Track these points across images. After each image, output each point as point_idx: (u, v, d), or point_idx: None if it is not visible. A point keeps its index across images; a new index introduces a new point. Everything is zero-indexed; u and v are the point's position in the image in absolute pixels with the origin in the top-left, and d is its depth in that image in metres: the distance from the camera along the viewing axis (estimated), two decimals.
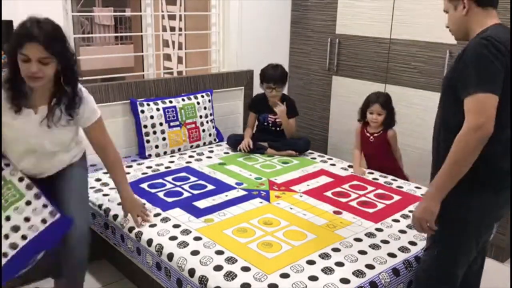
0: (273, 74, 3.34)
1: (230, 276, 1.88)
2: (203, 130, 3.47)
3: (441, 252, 1.81)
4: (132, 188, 2.69)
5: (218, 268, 1.93)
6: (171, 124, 3.29)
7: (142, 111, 3.18)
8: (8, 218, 2.02)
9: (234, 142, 3.43)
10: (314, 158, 3.35)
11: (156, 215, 2.38)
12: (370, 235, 2.25)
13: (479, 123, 1.57)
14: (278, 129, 3.47)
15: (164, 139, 3.26)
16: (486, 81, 1.59)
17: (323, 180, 2.93)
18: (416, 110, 3.32)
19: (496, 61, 1.60)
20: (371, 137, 3.12)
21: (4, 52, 2.03)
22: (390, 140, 3.11)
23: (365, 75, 3.62)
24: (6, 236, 2.00)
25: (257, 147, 3.40)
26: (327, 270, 1.94)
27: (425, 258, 1.91)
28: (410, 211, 2.50)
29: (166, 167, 3.06)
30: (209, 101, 3.54)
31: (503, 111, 1.63)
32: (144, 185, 2.75)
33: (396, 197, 2.68)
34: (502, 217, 1.90)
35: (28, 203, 2.07)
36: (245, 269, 1.92)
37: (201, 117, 3.45)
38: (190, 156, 3.28)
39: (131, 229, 2.29)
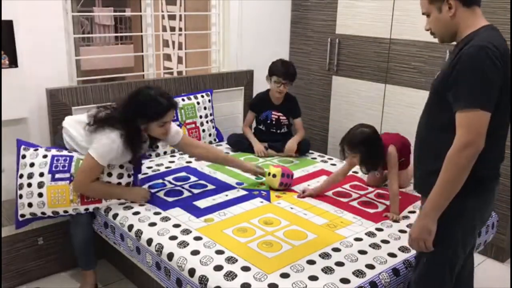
0: (286, 70, 3.29)
1: (230, 276, 1.87)
2: (203, 130, 3.47)
3: (431, 259, 1.77)
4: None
5: (218, 268, 1.93)
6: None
7: None
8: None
9: (234, 141, 3.43)
10: (315, 158, 3.35)
11: (156, 214, 2.39)
12: (370, 234, 2.25)
13: (470, 141, 1.55)
14: (279, 131, 3.45)
15: None
16: (479, 97, 1.54)
17: (324, 180, 2.93)
18: (416, 110, 3.31)
19: (493, 74, 1.55)
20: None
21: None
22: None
23: (365, 75, 3.62)
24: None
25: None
26: (327, 270, 1.94)
27: (416, 268, 1.88)
28: (410, 212, 2.50)
29: (166, 167, 3.06)
30: (209, 101, 3.54)
31: (498, 119, 1.61)
32: (145, 185, 2.75)
33: None
34: (484, 222, 1.87)
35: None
36: (245, 268, 1.92)
37: (201, 117, 3.45)
38: (190, 156, 3.27)
39: (130, 227, 2.29)
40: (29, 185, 2.42)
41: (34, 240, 2.70)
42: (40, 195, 2.41)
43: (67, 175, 2.43)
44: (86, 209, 2.46)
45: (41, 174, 2.42)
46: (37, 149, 2.51)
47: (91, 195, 2.45)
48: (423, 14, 1.78)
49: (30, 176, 2.43)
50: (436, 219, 1.66)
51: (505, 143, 1.77)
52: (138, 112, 2.39)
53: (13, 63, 2.69)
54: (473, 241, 1.84)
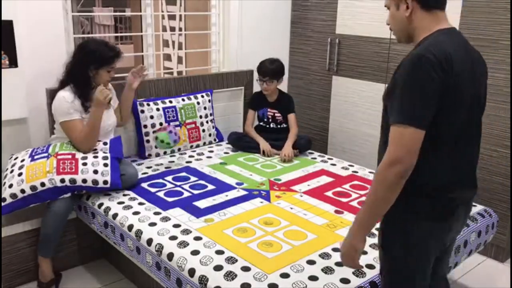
0: (265, 67, 3.39)
1: (230, 276, 1.87)
2: (203, 130, 3.47)
3: (387, 276, 1.68)
4: (133, 187, 2.71)
5: (218, 268, 1.93)
6: (171, 124, 3.29)
7: (142, 111, 3.18)
8: None
9: (235, 140, 3.44)
10: (315, 158, 3.35)
11: (156, 214, 2.39)
12: (370, 235, 2.25)
13: (398, 157, 1.42)
14: (279, 126, 3.50)
15: None
16: (411, 112, 1.42)
17: (324, 180, 2.93)
18: None
19: (428, 87, 1.41)
20: None
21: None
22: None
23: (365, 75, 3.62)
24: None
25: (257, 146, 3.40)
26: (327, 270, 1.94)
27: (380, 282, 1.80)
28: None
29: (166, 167, 3.06)
30: (209, 101, 3.54)
31: (445, 132, 1.49)
32: (144, 185, 2.75)
33: None
34: (451, 242, 1.75)
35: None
36: (245, 269, 1.92)
37: (201, 117, 3.45)
38: (190, 156, 3.28)
39: (130, 227, 2.29)
40: (12, 171, 2.53)
41: (34, 240, 2.70)
42: (20, 174, 2.48)
43: (45, 154, 2.57)
44: (62, 180, 2.47)
45: (22, 160, 2.56)
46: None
47: (90, 141, 2.63)
48: (384, 6, 1.67)
49: (13, 165, 2.57)
50: (364, 237, 1.56)
51: (464, 159, 1.58)
52: (90, 59, 2.62)
53: (13, 63, 2.69)
54: (429, 267, 1.66)
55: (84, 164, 2.55)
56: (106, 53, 2.64)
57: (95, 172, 2.54)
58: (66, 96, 2.61)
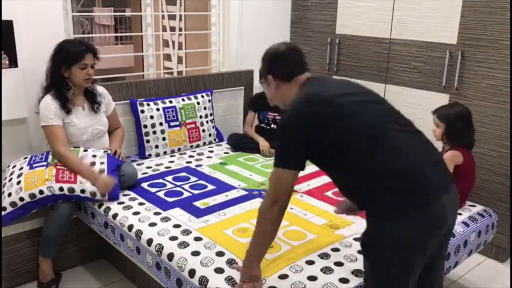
0: None
1: (231, 278, 1.87)
2: (203, 130, 3.47)
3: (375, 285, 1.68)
4: (133, 187, 2.71)
5: (218, 269, 1.93)
6: (171, 124, 3.29)
7: (142, 111, 3.18)
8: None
9: (235, 141, 3.44)
10: None
11: (156, 214, 2.39)
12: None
13: (277, 197, 1.68)
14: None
15: (164, 139, 3.26)
16: (283, 155, 1.68)
17: (324, 180, 2.93)
18: (416, 110, 3.32)
19: (297, 130, 1.65)
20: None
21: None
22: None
23: (365, 75, 3.62)
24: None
25: (257, 147, 3.41)
26: (327, 270, 1.94)
27: None
28: None
29: (166, 167, 3.06)
30: (209, 101, 3.54)
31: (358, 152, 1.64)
32: (144, 185, 2.75)
33: None
34: (434, 235, 1.62)
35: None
36: None
37: (201, 117, 3.45)
38: (190, 156, 3.28)
39: (130, 227, 2.29)
40: (10, 179, 2.51)
41: (34, 240, 2.70)
42: (18, 182, 2.46)
43: (44, 163, 2.55)
44: (61, 189, 2.46)
45: (21, 168, 2.55)
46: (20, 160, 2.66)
47: (66, 163, 2.53)
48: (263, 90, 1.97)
49: (12, 173, 2.55)
50: (258, 265, 1.82)
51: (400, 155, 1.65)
52: (60, 58, 2.59)
53: (13, 63, 2.69)
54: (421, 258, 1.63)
55: None
56: (73, 49, 2.59)
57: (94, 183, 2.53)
58: (47, 101, 2.59)
